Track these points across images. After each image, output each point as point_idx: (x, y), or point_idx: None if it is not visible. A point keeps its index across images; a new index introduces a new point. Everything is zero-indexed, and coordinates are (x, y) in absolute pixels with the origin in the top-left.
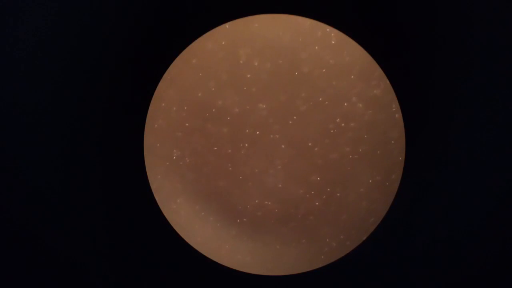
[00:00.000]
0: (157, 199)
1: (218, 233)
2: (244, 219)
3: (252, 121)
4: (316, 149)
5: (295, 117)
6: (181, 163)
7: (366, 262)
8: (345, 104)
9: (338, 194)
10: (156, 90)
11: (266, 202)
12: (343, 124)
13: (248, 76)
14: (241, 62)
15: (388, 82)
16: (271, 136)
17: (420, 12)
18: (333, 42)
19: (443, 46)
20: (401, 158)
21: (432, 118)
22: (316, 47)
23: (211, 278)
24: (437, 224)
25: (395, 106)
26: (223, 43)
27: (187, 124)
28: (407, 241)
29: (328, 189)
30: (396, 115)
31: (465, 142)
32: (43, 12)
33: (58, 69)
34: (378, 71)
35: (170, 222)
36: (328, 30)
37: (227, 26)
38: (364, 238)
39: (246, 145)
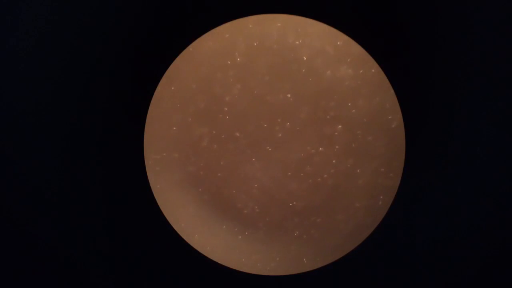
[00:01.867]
0: (157, 199)
1: (218, 233)
2: (242, 222)
3: (232, 147)
4: (301, 174)
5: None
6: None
7: (366, 262)
8: (326, 128)
9: (319, 220)
10: (156, 90)
11: (251, 227)
12: (326, 150)
13: (226, 108)
14: (220, 88)
15: (388, 102)
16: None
17: (420, 12)
18: (321, 55)
19: (443, 46)
20: (395, 184)
21: (432, 118)
22: (303, 70)
23: (211, 278)
24: (437, 224)
25: (396, 129)
26: (202, 69)
27: (175, 155)
28: (407, 241)
29: (313, 218)
30: (398, 148)
31: (464, 142)
32: (43, 12)
33: (58, 69)
34: (376, 85)
35: (170, 222)
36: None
37: (208, 42)
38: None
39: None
